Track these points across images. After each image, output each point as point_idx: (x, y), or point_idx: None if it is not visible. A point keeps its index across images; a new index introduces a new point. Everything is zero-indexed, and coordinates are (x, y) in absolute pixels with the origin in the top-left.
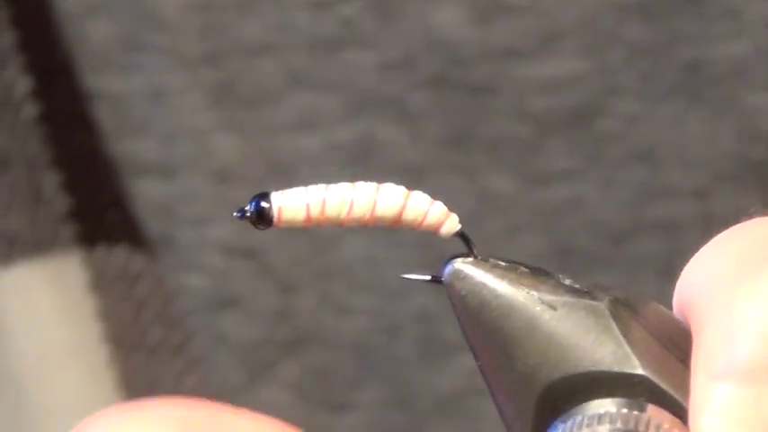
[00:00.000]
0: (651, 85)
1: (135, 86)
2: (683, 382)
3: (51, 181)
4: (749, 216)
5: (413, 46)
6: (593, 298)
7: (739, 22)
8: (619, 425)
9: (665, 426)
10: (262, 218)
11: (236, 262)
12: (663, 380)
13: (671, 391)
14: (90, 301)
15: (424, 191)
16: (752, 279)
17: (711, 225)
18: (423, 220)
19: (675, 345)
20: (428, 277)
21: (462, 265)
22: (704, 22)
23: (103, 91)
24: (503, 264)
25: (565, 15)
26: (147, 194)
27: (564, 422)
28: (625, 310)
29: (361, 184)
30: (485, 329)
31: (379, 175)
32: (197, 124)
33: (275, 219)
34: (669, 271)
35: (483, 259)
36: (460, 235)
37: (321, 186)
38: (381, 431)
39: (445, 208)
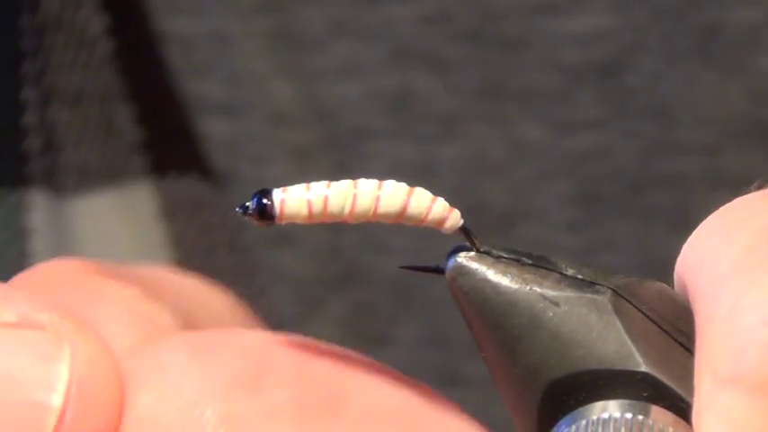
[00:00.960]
0: (672, 44)
1: (201, 29)
2: (687, 373)
3: (123, 114)
4: (753, 188)
5: (450, 0)
6: (596, 291)
7: None
8: (623, 431)
9: (669, 430)
10: (264, 214)
11: None
12: (666, 375)
13: (674, 387)
14: (159, 229)
15: (458, 139)
16: (755, 283)
17: (720, 180)
18: (425, 217)
19: (679, 329)
20: (431, 268)
21: (465, 261)
22: None
23: (172, 32)
24: (505, 257)
25: None
26: (211, 131)
27: (568, 426)
28: (627, 301)
29: (362, 181)
30: (488, 325)
31: (417, 123)
32: (255, 69)
33: (277, 215)
34: (679, 222)
35: (485, 252)
36: (463, 230)
37: (323, 183)
38: (419, 366)
39: (447, 204)
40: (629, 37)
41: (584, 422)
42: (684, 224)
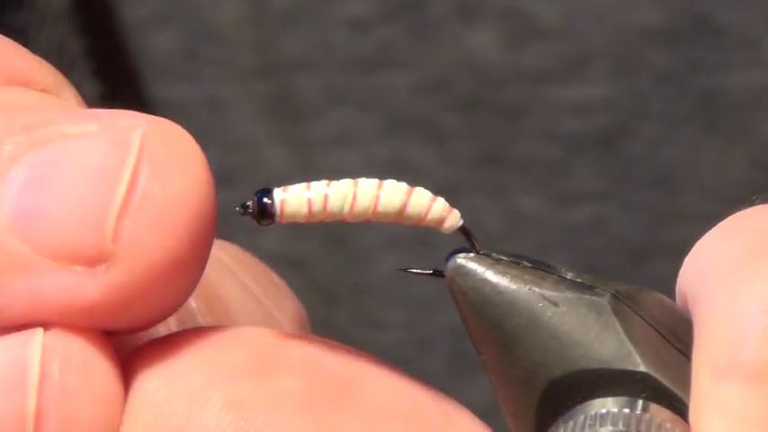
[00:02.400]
0: (672, 110)
1: (194, 96)
2: (685, 377)
3: None
4: (751, 204)
5: (447, 68)
6: (595, 293)
7: (756, 53)
8: (621, 426)
9: (667, 425)
10: (264, 213)
11: (283, 271)
12: (665, 376)
13: (673, 387)
14: None
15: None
16: (754, 275)
17: None
18: (425, 216)
19: (677, 337)
20: (430, 272)
21: (464, 261)
22: (723, 51)
23: (166, 100)
24: (505, 259)
25: (594, 40)
26: None
27: (566, 422)
28: (627, 305)
29: (363, 181)
30: (487, 326)
31: None
32: (250, 135)
33: (278, 214)
34: None
35: (485, 254)
36: (462, 230)
37: (323, 182)
38: None
39: (447, 204)
40: (628, 104)
41: (581, 417)
42: None
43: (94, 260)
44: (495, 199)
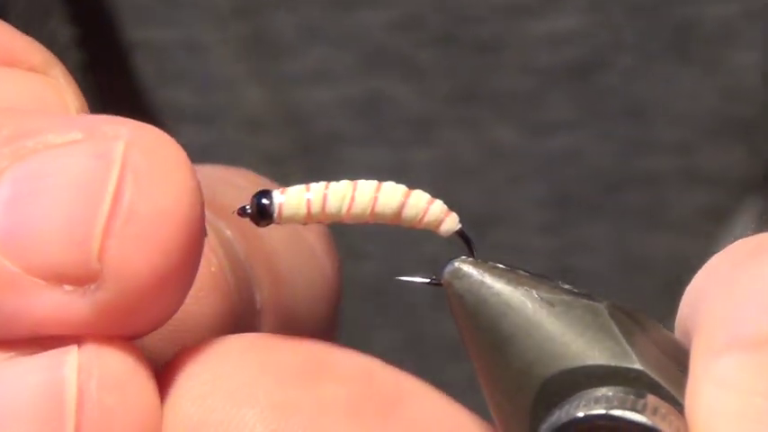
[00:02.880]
0: (646, 42)
1: (172, 38)
2: (681, 386)
3: None
4: (746, 234)
5: (422, 4)
6: (592, 299)
7: None
8: (615, 403)
9: (662, 410)
10: (263, 215)
11: None
12: (661, 376)
13: (669, 387)
14: None
15: (431, 143)
16: (751, 263)
17: (695, 178)
18: (422, 218)
19: (674, 357)
20: (426, 280)
21: (461, 264)
22: None
23: (143, 42)
24: (501, 266)
25: None
26: (184, 140)
27: (560, 408)
28: (624, 315)
29: (361, 182)
30: (482, 327)
31: (389, 128)
32: (228, 75)
33: (276, 216)
34: (654, 220)
35: (482, 260)
36: (460, 234)
37: (322, 184)
38: None
39: (445, 206)
40: (603, 37)
41: (576, 401)
42: (659, 222)
43: (82, 280)
44: (471, 132)
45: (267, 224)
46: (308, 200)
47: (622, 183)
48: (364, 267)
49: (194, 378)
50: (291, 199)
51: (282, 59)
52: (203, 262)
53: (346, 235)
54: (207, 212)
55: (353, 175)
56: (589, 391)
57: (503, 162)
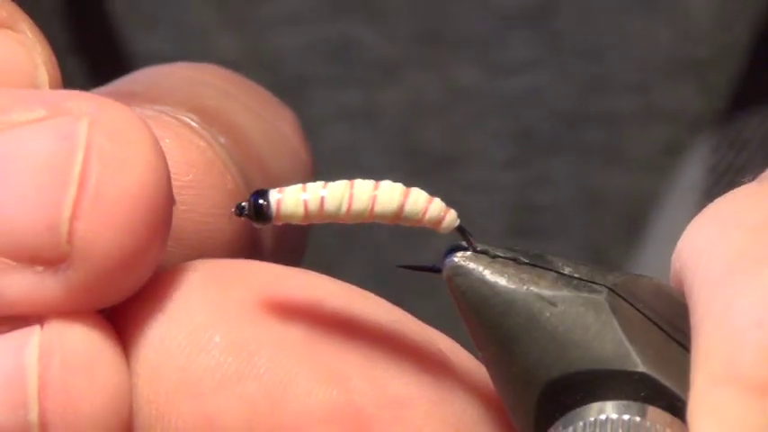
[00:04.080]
0: None
1: None
2: (684, 372)
3: (69, 68)
4: (746, 180)
5: None
6: (593, 290)
7: None
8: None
9: (667, 431)
10: (260, 215)
11: None
12: (663, 375)
13: (671, 386)
14: None
15: (397, 85)
16: (749, 283)
17: (651, 116)
18: (422, 217)
19: (675, 326)
20: (427, 268)
21: (461, 261)
22: None
23: None
24: (502, 256)
25: None
26: None
27: (565, 428)
28: (624, 300)
29: (359, 182)
30: (485, 325)
31: (357, 70)
32: (200, 21)
33: (273, 216)
34: (613, 157)
35: (482, 251)
36: (460, 230)
37: (319, 183)
38: None
39: (443, 204)
40: None
41: (581, 423)
42: (617, 158)
43: (53, 261)
44: (435, 72)
45: (265, 224)
46: (306, 200)
47: (582, 120)
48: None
49: (153, 322)
50: (289, 199)
51: (254, 4)
52: (218, 180)
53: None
54: (199, 121)
55: (323, 116)
56: (593, 407)
57: (466, 102)
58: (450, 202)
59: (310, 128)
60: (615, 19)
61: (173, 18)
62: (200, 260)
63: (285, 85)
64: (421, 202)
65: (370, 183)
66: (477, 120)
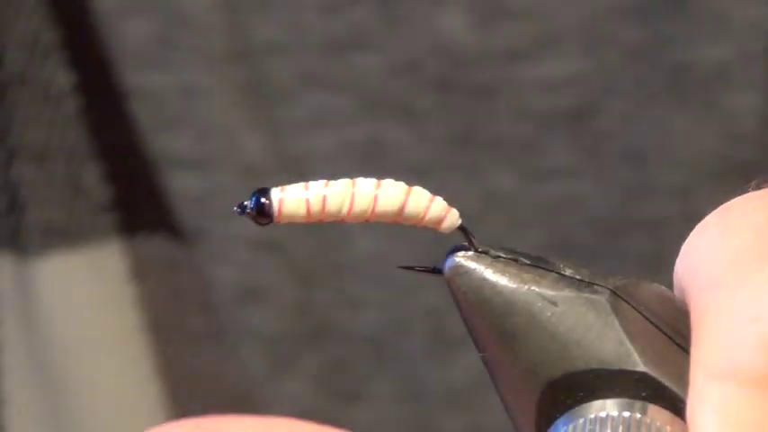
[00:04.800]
0: (642, 85)
1: (169, 83)
2: (684, 373)
3: (91, 172)
4: (751, 187)
5: (418, 49)
6: (594, 291)
7: (725, 25)
8: (621, 430)
9: (667, 428)
10: (262, 213)
11: (261, 255)
12: (664, 375)
13: (672, 386)
14: (128, 290)
15: (430, 189)
16: (750, 278)
17: (695, 221)
18: (423, 216)
19: (677, 330)
20: (429, 269)
21: (463, 261)
22: (692, 24)
23: (140, 87)
24: (503, 256)
25: (563, 18)
26: (181, 187)
27: (565, 425)
28: (626, 302)
29: (361, 180)
30: (486, 325)
31: (387, 174)
32: (225, 121)
33: (275, 214)
34: (656, 265)
35: (483, 252)
36: (461, 229)
37: (321, 182)
38: (393, 422)
39: (445, 203)
40: (598, 80)
41: (581, 420)
42: (661, 267)
43: None
44: (469, 178)
45: (266, 223)
46: (308, 199)
47: (622, 228)
48: (364, 317)
49: None
50: (291, 198)
51: (280, 105)
52: None
53: (345, 282)
54: None
55: (353, 229)
56: (594, 405)
57: (502, 208)
58: None
59: (338, 236)
60: (658, 120)
61: (196, 117)
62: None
63: None
64: (423, 201)
65: (372, 181)
66: (512, 228)
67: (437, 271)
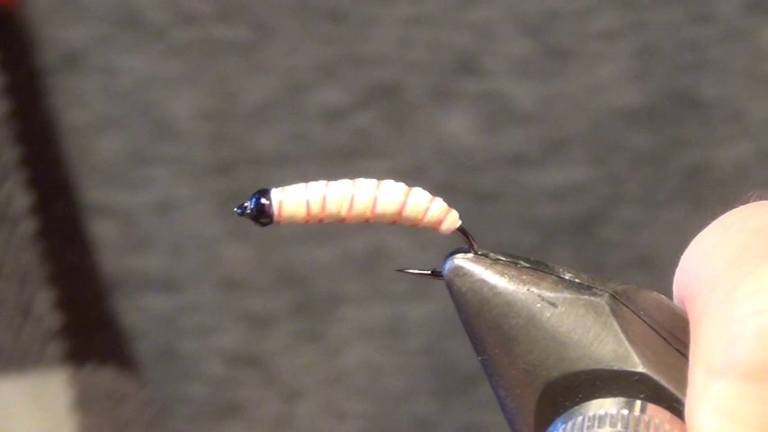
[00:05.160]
0: (654, 191)
1: (142, 200)
2: (683, 377)
3: (43, 298)
4: (747, 200)
5: (422, 154)
6: (594, 294)
7: (741, 124)
8: (619, 427)
9: (666, 426)
10: (262, 214)
11: (239, 370)
12: (663, 376)
13: (671, 387)
14: (72, 421)
15: (428, 298)
16: (749, 275)
17: None
18: (423, 217)
19: (675, 337)
20: (428, 272)
21: (462, 262)
22: (707, 126)
23: (107, 206)
24: (503, 259)
25: (571, 123)
26: (149, 308)
27: (564, 423)
28: (625, 306)
29: (361, 181)
30: (485, 326)
31: (387, 283)
32: (205, 233)
33: (275, 215)
34: None
35: (483, 254)
36: (461, 231)
37: (321, 183)
38: None
39: (445, 204)
40: (605, 188)
41: (580, 418)
42: None
43: None
44: None
45: (267, 223)
46: (308, 200)
47: None
48: (349, 428)
49: None
50: (291, 199)
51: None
52: None
53: (331, 393)
54: None
55: (349, 341)
56: (592, 403)
57: None
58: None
59: (330, 350)
60: (667, 226)
61: (170, 233)
62: None
63: (309, 302)
64: (422, 201)
65: (372, 182)
66: None
67: (436, 274)
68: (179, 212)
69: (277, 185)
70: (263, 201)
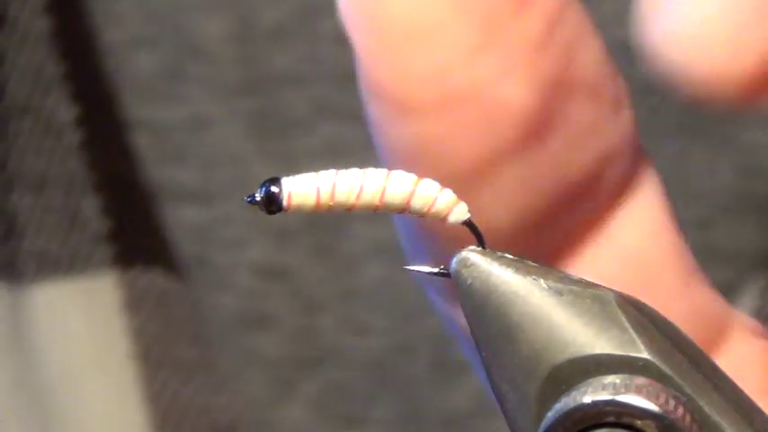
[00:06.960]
0: (657, 121)
1: (177, 115)
2: (688, 375)
3: (89, 204)
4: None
5: None
6: (599, 289)
7: None
8: (623, 390)
9: (670, 397)
10: (272, 202)
11: (266, 283)
12: (668, 366)
13: (676, 376)
14: (121, 321)
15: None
16: None
17: (711, 254)
18: (431, 207)
19: (682, 349)
20: (435, 270)
21: (470, 254)
22: None
23: (145, 120)
24: (509, 256)
25: None
26: (184, 219)
27: (568, 395)
28: (632, 305)
29: (371, 171)
30: (490, 316)
31: None
32: (234, 152)
33: (285, 203)
34: None
35: (491, 250)
36: (468, 224)
37: (331, 171)
38: None
39: (454, 196)
40: None
41: (584, 388)
42: None
43: None
44: None
45: (276, 212)
46: (318, 188)
47: None
48: (369, 342)
49: None
50: (301, 187)
51: (292, 136)
52: None
53: (350, 310)
54: None
55: (361, 251)
56: (597, 378)
57: None
58: None
59: (345, 264)
60: (672, 156)
61: (203, 149)
62: None
63: (322, 218)
64: (431, 192)
65: (382, 171)
66: None
67: (444, 274)
68: (210, 129)
69: (293, 107)
70: (273, 189)
